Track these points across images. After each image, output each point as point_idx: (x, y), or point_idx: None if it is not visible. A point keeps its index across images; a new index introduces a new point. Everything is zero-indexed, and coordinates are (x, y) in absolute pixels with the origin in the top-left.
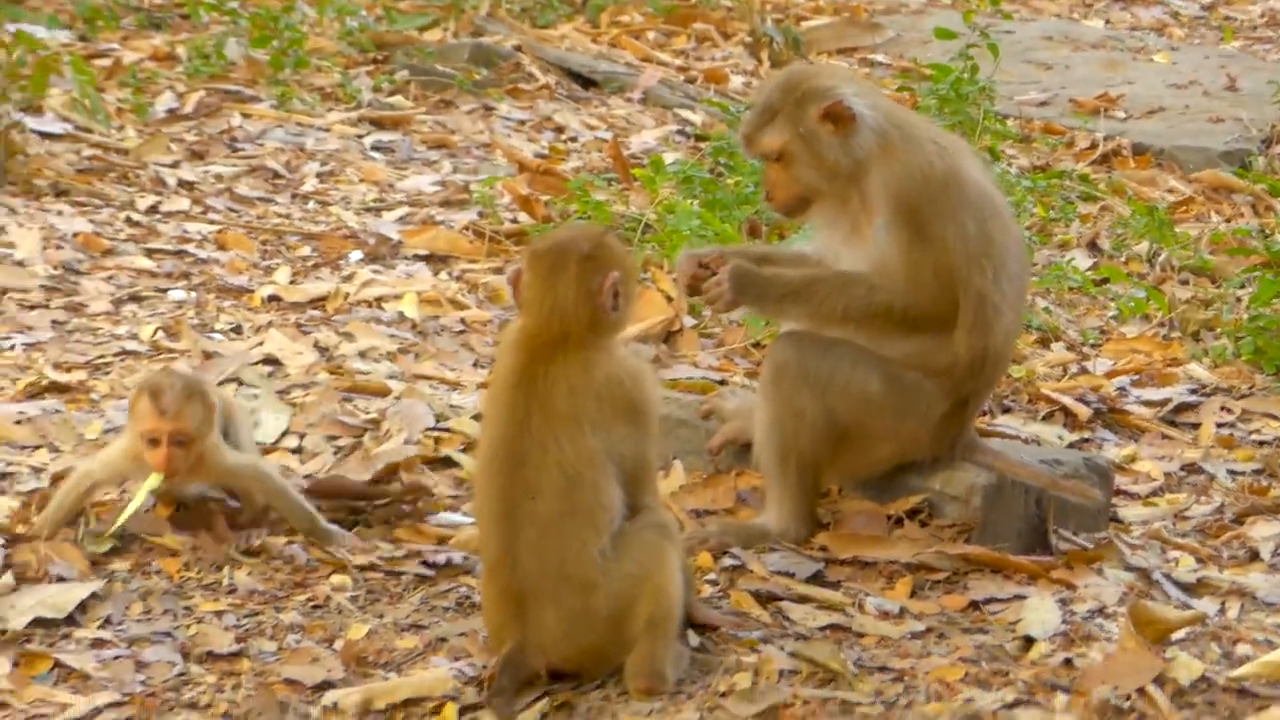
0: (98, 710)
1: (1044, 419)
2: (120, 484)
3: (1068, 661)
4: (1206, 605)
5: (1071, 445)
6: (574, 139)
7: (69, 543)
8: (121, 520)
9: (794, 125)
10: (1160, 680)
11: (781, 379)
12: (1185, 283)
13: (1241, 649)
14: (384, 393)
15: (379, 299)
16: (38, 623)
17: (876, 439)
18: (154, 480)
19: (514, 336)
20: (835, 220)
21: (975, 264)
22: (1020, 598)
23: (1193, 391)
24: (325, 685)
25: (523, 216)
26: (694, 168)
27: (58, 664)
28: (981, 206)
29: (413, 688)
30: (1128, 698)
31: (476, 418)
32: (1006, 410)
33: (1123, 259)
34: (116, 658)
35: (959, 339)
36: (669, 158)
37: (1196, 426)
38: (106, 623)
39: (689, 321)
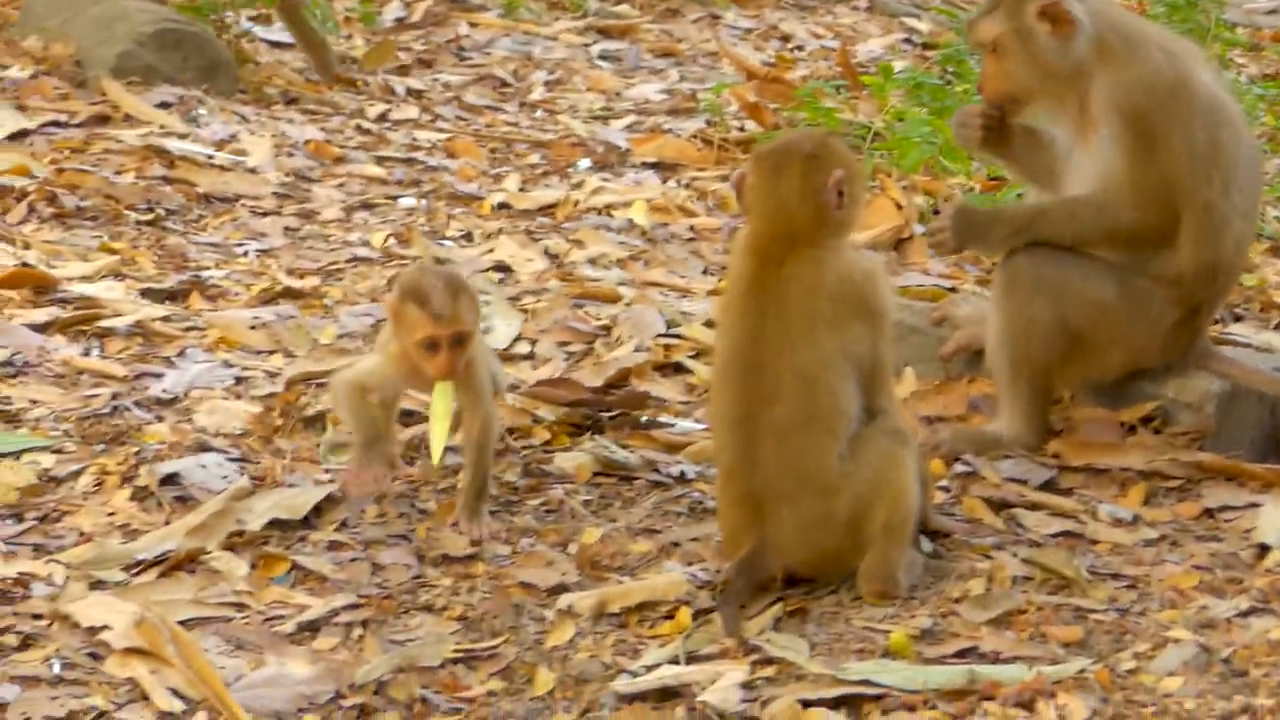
0: (334, 612)
1: (1276, 327)
2: (390, 395)
3: None
4: None
5: None
6: (800, 48)
7: (306, 459)
8: (440, 448)
9: (1012, 19)
10: None
11: (1015, 287)
12: None
13: None
14: (614, 299)
15: (608, 206)
16: (274, 525)
17: (1109, 346)
18: (447, 390)
19: (744, 242)
20: (1055, 124)
21: (1203, 174)
22: (1254, 506)
23: None
24: (559, 589)
25: (750, 124)
26: (923, 75)
27: (295, 566)
28: (1211, 115)
29: (647, 591)
30: None
31: (708, 324)
32: (1238, 319)
33: None
34: (353, 560)
35: (1184, 250)
36: (896, 66)
37: None
38: (342, 526)
39: (919, 229)
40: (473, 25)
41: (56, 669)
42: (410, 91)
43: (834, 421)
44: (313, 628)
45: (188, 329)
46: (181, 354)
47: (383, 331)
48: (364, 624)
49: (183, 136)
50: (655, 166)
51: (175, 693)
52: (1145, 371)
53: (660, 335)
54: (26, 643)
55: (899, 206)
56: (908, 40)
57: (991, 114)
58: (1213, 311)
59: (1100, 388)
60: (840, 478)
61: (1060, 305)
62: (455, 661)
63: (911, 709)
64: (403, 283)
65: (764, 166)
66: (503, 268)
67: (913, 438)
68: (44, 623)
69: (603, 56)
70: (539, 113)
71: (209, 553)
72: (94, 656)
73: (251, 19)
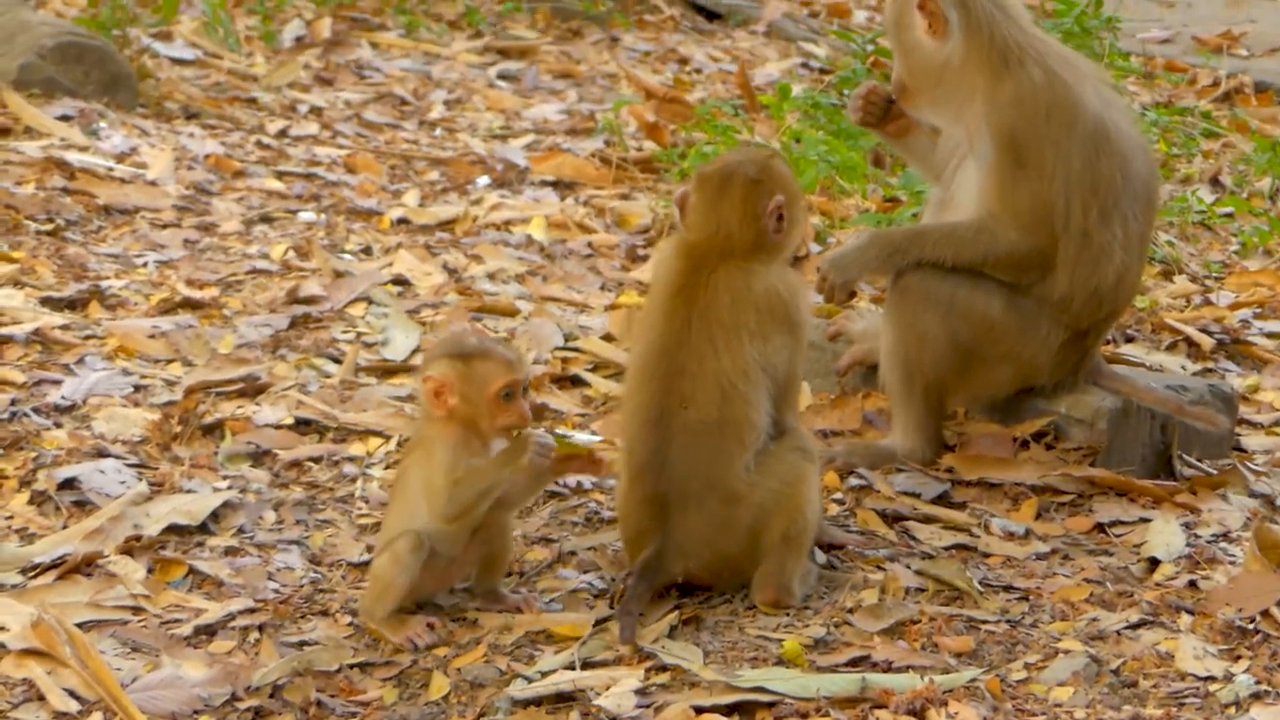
0: (231, 615)
1: (1167, 349)
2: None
3: (1192, 583)
4: None
5: (1195, 375)
6: (698, 70)
7: (204, 466)
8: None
9: (898, 5)
10: None
11: (905, 301)
12: None
13: None
14: (512, 313)
15: (507, 223)
16: (172, 530)
17: (997, 362)
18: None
19: (675, 247)
20: (947, 133)
21: (1079, 202)
22: (1145, 521)
23: None
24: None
25: (649, 144)
26: (820, 96)
27: (192, 570)
28: (1094, 141)
29: (551, 622)
30: (1251, 619)
31: (605, 338)
32: (1130, 340)
33: (1245, 195)
34: (249, 565)
35: (1062, 276)
36: (794, 89)
37: None
38: (239, 531)
39: (815, 248)
40: (374, 46)
41: None
42: (311, 109)
43: (744, 431)
44: (209, 631)
45: (87, 337)
46: (80, 362)
47: (417, 447)
48: (260, 628)
49: (83, 149)
50: (554, 185)
51: (71, 693)
52: (1038, 388)
53: (558, 348)
54: None
55: None
56: (805, 65)
57: (878, 95)
58: (1102, 334)
59: (994, 404)
60: (746, 486)
61: (949, 320)
62: (352, 666)
63: (804, 716)
64: (451, 349)
65: (707, 187)
66: (401, 281)
67: (817, 456)
68: None
69: (502, 77)
70: (438, 131)
71: (106, 556)
72: None
73: (153, 35)
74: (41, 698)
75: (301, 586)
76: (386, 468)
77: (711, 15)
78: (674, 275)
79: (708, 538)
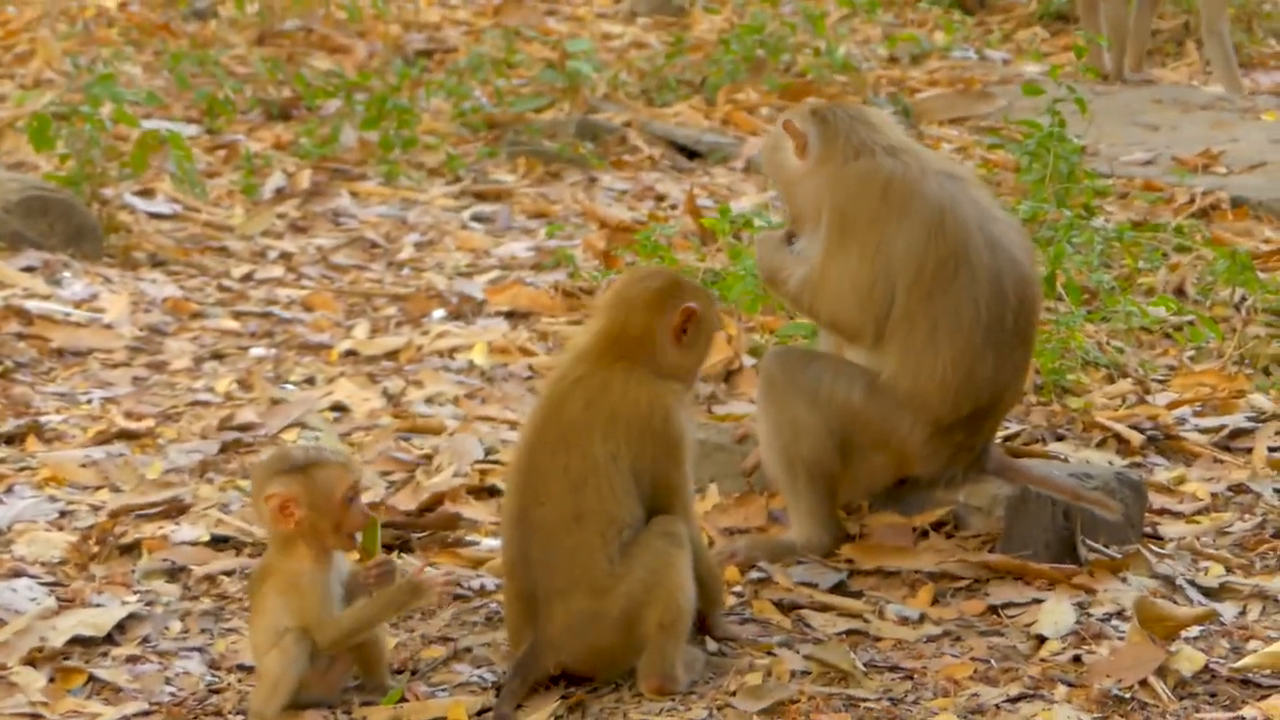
0: (125, 718)
1: (1097, 445)
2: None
3: (1076, 658)
4: (1227, 608)
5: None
6: (674, 206)
7: (118, 582)
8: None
9: (772, 136)
10: (1162, 671)
11: (772, 391)
12: (1270, 325)
13: (1253, 645)
14: (441, 431)
15: (452, 349)
16: (77, 641)
17: (869, 449)
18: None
19: (572, 344)
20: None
21: (903, 284)
22: (1039, 602)
23: (1250, 419)
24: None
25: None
26: (757, 214)
27: (92, 678)
28: (926, 229)
29: (439, 707)
30: (1130, 689)
31: None
32: (1060, 438)
33: (1208, 305)
34: (149, 671)
35: (893, 357)
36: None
37: (1250, 451)
38: (144, 641)
39: (748, 361)
40: (353, 195)
41: None
42: (280, 254)
43: (603, 524)
44: None
45: (20, 469)
46: (9, 491)
47: (269, 575)
48: None
49: (44, 297)
50: (508, 315)
51: None
52: (932, 480)
53: (478, 461)
54: None
55: (729, 339)
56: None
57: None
58: (977, 430)
59: (889, 494)
60: (611, 578)
61: (817, 406)
62: None
63: None
64: (284, 464)
65: (613, 289)
66: (339, 407)
67: (686, 540)
68: None
69: (476, 218)
70: (405, 270)
71: (9, 668)
72: None
73: (135, 192)
74: None
75: (197, 690)
76: None
77: (692, 154)
78: (556, 375)
79: (577, 631)
